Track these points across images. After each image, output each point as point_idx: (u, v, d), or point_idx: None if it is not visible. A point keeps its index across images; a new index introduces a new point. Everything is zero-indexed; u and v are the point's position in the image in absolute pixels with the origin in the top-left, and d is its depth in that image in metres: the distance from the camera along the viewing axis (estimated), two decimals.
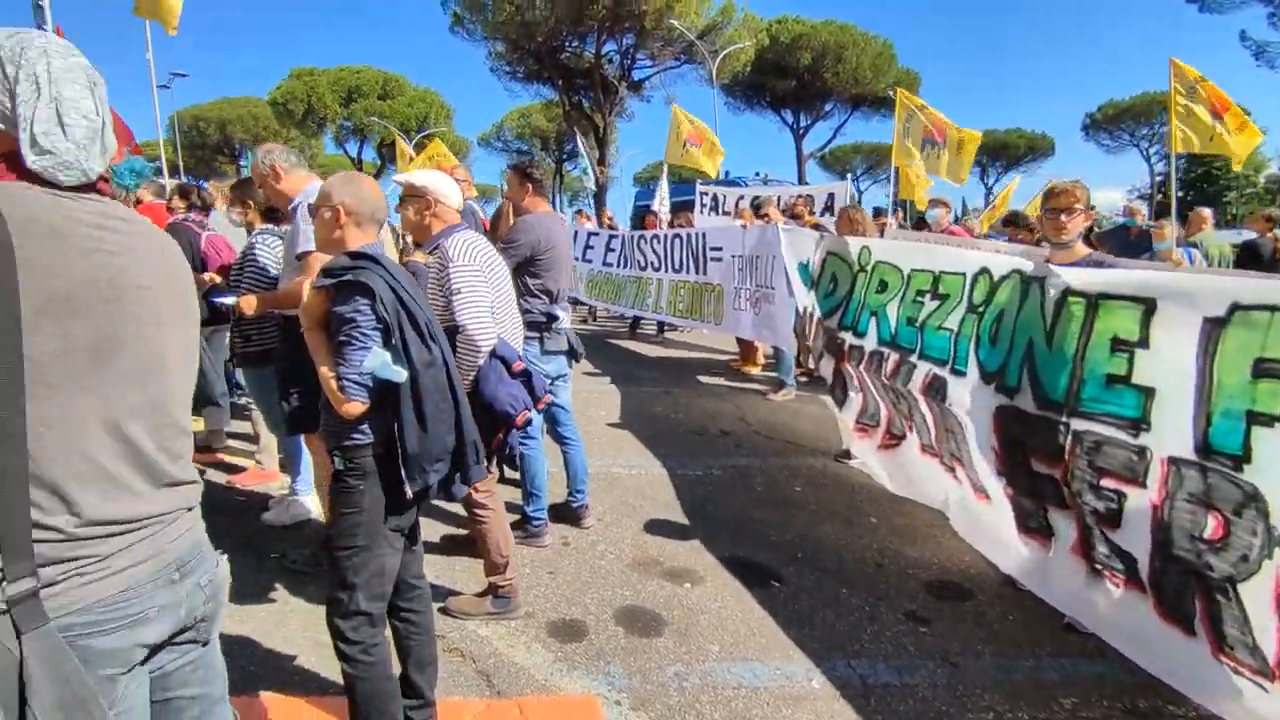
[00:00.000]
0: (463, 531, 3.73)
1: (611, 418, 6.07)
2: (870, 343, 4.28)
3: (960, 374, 3.50)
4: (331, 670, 2.63)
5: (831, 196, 8.24)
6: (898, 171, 10.32)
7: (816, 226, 6.84)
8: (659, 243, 8.71)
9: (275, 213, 3.69)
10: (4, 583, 1.01)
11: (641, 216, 12.47)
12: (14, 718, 0.97)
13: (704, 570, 3.48)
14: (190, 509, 1.32)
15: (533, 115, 42.88)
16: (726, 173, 15.37)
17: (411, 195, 2.79)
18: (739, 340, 8.37)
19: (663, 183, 11.40)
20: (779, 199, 8.63)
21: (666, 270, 8.58)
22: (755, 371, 7.92)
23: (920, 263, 3.94)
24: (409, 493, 2.04)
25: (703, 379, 7.81)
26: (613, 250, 9.87)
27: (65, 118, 1.13)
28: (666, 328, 10.47)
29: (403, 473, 2.02)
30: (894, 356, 4.07)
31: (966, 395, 3.45)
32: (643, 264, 9.03)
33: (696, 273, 7.93)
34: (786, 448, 5.45)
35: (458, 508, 3.67)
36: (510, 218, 3.79)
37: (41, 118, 1.11)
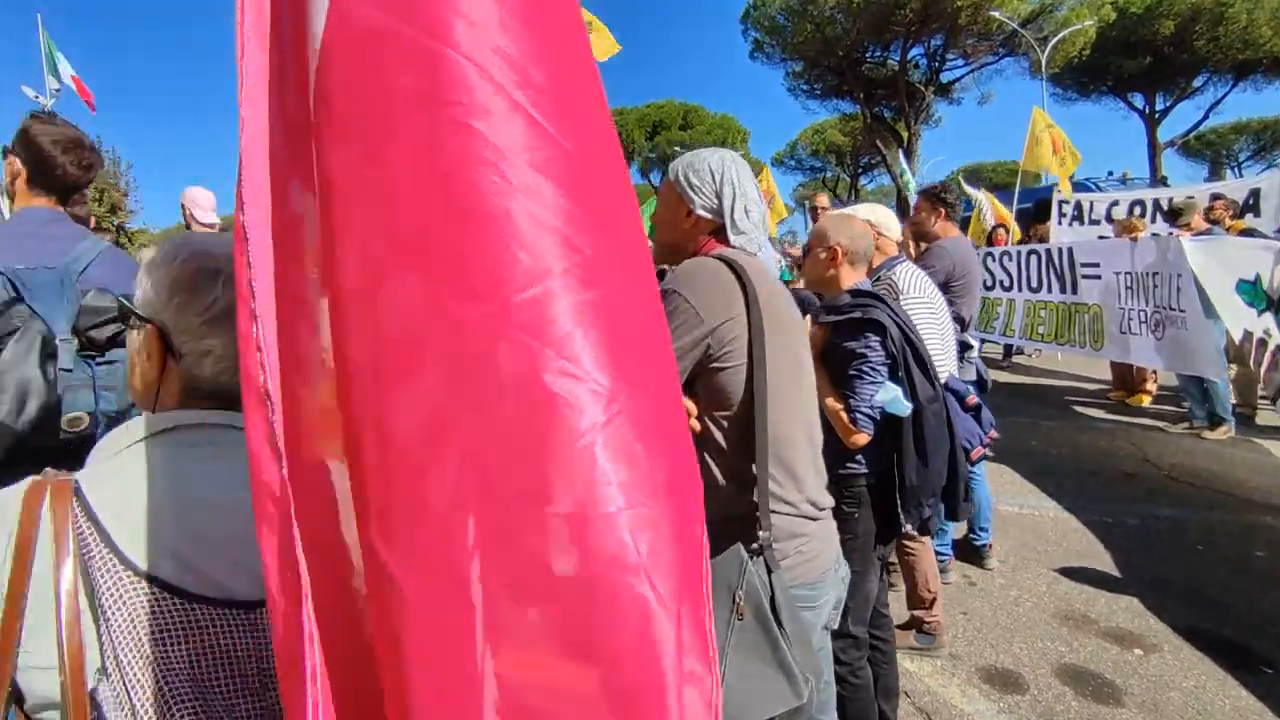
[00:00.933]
0: None
1: None
2: None
3: None
4: None
5: (1255, 193, 6.73)
6: None
7: (1246, 232, 5.65)
8: (1010, 260, 7.92)
9: None
10: (759, 530, 1.34)
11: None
12: (772, 630, 1.25)
13: (1155, 637, 3.03)
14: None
15: (827, 131, 42.29)
16: (1070, 175, 13.42)
17: None
18: (1114, 367, 7.25)
19: (980, 193, 10.32)
20: (1163, 201, 7.31)
21: (1020, 289, 7.76)
22: (1146, 404, 6.78)
23: None
24: (904, 525, 2.10)
25: (1078, 409, 6.90)
26: None
27: (748, 208, 1.51)
28: (1014, 351, 9.49)
29: (899, 505, 2.08)
30: None
31: None
32: (988, 283, 8.30)
33: (1063, 292, 7.04)
34: (1221, 499, 4.54)
35: None
36: (911, 245, 3.75)
37: (738, 209, 1.50)
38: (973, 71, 29.60)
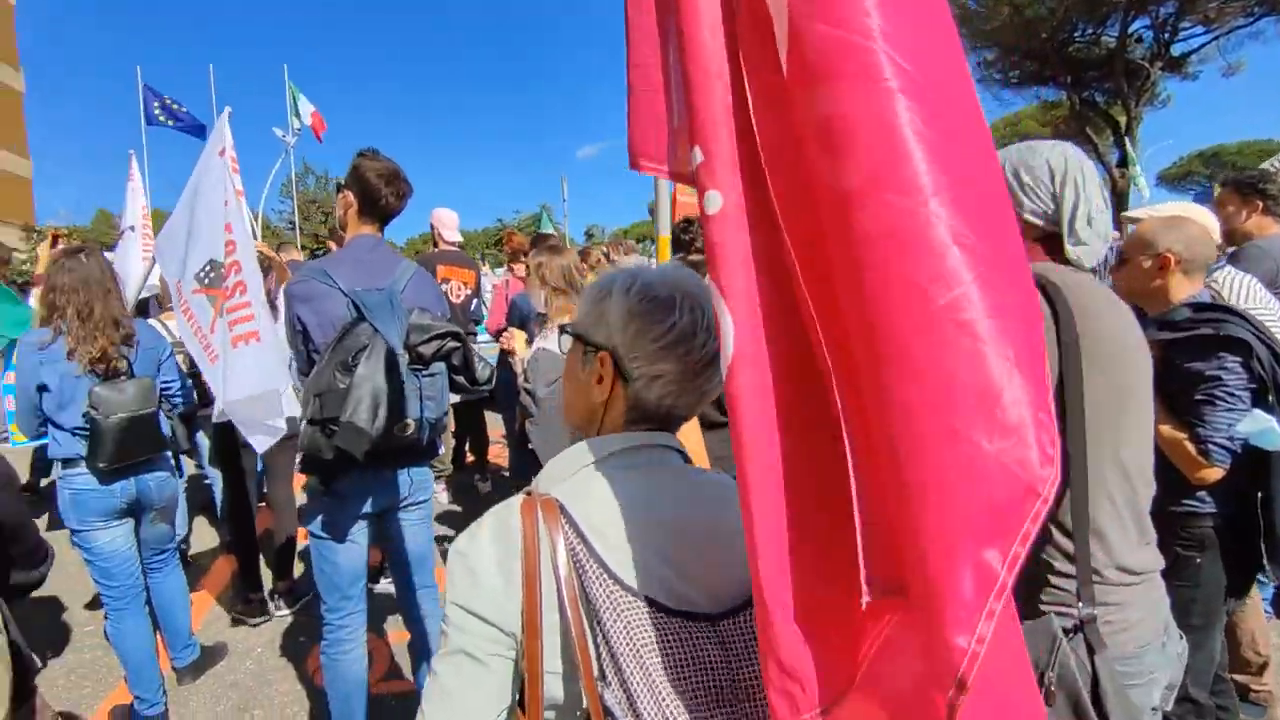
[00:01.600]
0: None
1: None
2: None
3: None
4: None
5: None
6: None
7: None
8: None
9: None
10: (1079, 603, 1.14)
11: None
12: None
13: None
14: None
15: (1022, 123, 38.51)
16: None
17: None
18: None
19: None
20: None
21: None
22: None
23: None
24: (1267, 577, 1.78)
25: None
26: None
27: (1092, 215, 1.29)
28: None
29: (1264, 552, 1.77)
30: None
31: None
32: None
33: None
34: None
35: None
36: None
37: (1079, 216, 1.28)
38: (1217, 39, 25.53)
